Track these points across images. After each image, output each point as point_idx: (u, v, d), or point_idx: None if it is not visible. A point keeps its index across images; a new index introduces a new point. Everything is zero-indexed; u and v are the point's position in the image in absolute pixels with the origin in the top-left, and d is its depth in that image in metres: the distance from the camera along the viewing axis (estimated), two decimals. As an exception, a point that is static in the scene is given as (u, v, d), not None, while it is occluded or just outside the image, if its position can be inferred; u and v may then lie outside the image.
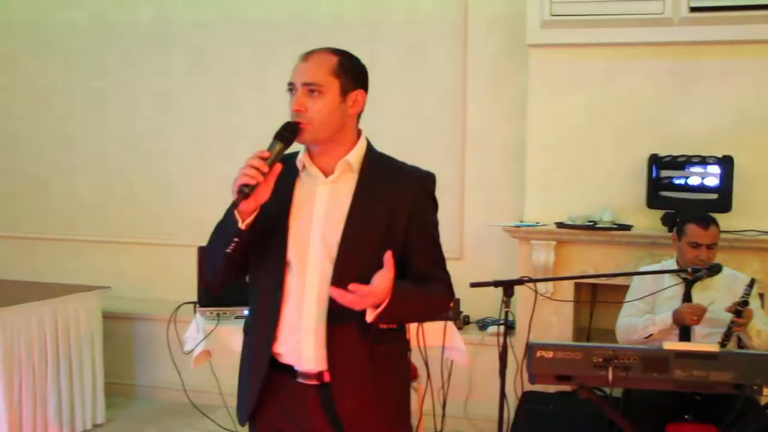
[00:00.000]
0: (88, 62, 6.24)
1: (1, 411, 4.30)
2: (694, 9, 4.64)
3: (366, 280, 2.10)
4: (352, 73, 2.24)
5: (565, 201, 4.87)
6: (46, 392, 4.61)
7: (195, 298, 4.19)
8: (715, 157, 4.60)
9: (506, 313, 3.42)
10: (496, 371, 3.41)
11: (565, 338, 4.72)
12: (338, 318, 2.16)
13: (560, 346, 3.16)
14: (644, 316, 4.02)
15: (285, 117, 2.22)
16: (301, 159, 2.26)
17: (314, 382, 2.22)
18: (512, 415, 4.17)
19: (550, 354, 3.14)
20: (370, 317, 2.10)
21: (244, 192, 2.05)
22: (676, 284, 4.00)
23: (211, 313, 4.07)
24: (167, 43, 6.04)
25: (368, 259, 2.15)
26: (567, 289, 4.79)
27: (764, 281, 4.50)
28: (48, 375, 4.62)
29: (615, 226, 4.72)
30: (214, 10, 5.92)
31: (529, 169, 5.02)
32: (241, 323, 3.94)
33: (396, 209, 2.23)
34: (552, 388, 4.43)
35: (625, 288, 4.69)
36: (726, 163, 4.57)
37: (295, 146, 2.23)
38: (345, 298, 2.05)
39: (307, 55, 2.23)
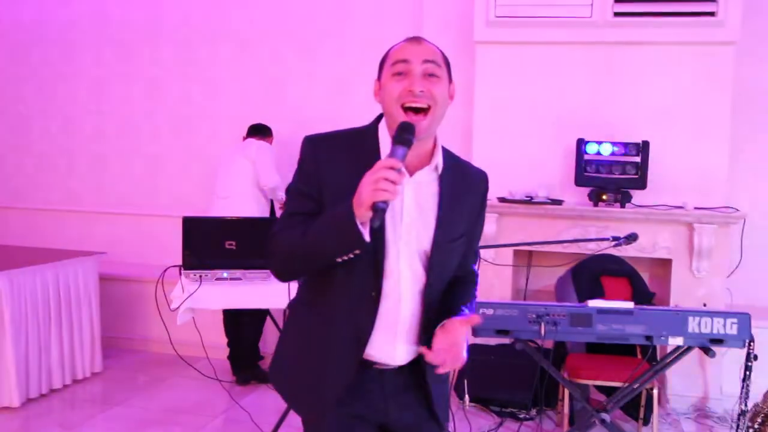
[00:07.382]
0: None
1: (10, 360, 4.25)
2: (617, 14, 4.69)
3: (448, 277, 1.93)
4: (448, 65, 1.87)
5: (506, 179, 4.86)
6: (50, 344, 4.57)
7: (179, 262, 4.13)
8: (634, 143, 4.64)
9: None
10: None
11: (504, 298, 4.72)
12: (429, 317, 1.87)
13: (500, 305, 3.22)
14: None
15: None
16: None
17: (392, 368, 1.90)
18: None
19: (491, 311, 3.19)
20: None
21: (383, 208, 1.62)
22: None
23: (195, 275, 4.01)
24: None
25: (453, 260, 1.92)
26: (507, 255, 4.78)
27: (673, 248, 4.60)
28: (51, 329, 4.58)
29: (548, 201, 4.75)
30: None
31: (475, 150, 4.99)
32: (220, 285, 3.94)
33: (469, 212, 1.95)
34: (493, 341, 4.47)
35: (555, 254, 4.75)
36: (643, 147, 4.61)
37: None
38: (445, 366, 1.78)
39: (416, 39, 1.83)
